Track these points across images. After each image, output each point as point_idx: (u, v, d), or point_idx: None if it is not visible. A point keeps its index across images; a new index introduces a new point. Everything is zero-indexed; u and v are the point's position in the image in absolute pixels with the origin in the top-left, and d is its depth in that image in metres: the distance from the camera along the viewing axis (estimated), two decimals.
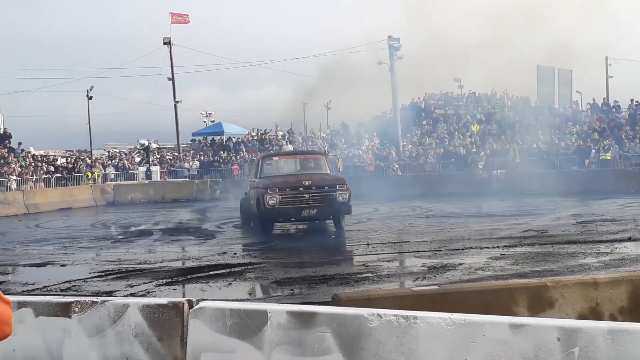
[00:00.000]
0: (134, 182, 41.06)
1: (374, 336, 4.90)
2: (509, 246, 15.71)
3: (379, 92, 44.80)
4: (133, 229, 23.05)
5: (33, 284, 13.29)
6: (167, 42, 49.67)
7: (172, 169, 44.15)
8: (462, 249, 15.61)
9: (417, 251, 15.79)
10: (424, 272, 12.84)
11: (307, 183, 19.63)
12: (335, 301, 6.43)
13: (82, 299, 5.58)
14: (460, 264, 13.53)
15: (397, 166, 38.05)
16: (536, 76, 46.86)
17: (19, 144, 43.27)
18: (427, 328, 4.85)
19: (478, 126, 42.55)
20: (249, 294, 11.77)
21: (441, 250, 15.46)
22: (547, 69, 47.19)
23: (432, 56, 46.29)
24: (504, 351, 4.60)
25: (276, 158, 22.57)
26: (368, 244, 16.97)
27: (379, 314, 4.97)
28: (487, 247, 15.71)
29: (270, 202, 19.02)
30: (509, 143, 38.06)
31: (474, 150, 37.92)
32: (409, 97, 48.29)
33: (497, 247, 15.66)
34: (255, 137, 47.53)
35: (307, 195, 19.36)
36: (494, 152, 37.26)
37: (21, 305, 5.54)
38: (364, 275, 12.85)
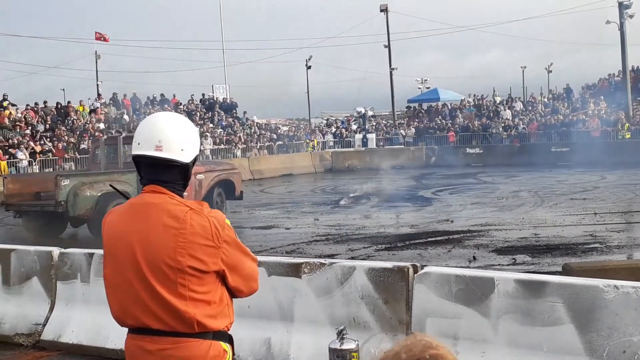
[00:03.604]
0: (351, 149, 41.97)
1: (609, 308, 4.62)
2: None
3: (606, 53, 42.15)
4: (351, 195, 23.56)
5: (260, 246, 14.03)
6: (384, 9, 49.89)
7: (387, 136, 44.58)
8: None
9: None
10: None
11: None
12: (566, 271, 6.15)
13: (311, 260, 5.77)
14: None
15: (627, 127, 35.44)
16: None
17: (244, 113, 45.79)
18: None
19: None
20: (469, 261, 11.59)
21: None
22: None
23: None
24: None
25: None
26: (595, 214, 16.06)
27: (615, 285, 4.68)
28: None
29: None
30: None
31: None
32: None
33: None
34: (472, 103, 46.64)
35: None
36: None
37: None
38: (592, 245, 12.19)
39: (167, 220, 2.71)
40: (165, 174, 2.80)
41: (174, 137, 2.78)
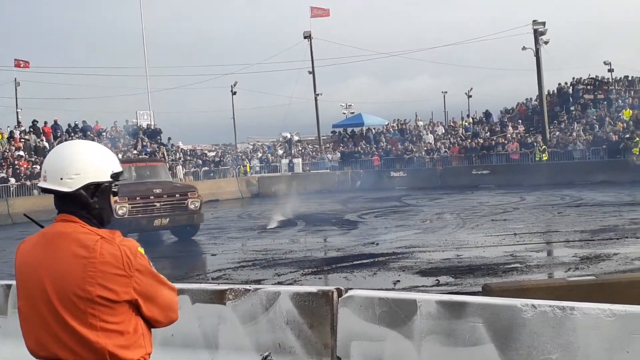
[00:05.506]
0: (277, 174, 42.01)
1: (528, 327, 4.73)
2: None
3: (523, 78, 43.70)
4: (278, 219, 23.54)
5: (186, 273, 13.86)
6: (308, 36, 50.31)
7: (313, 160, 44.81)
8: (617, 239, 14.87)
9: (568, 241, 15.19)
10: (576, 263, 12.33)
11: (157, 191, 19.16)
12: (486, 291, 6.28)
13: (236, 286, 5.73)
14: (615, 254, 12.89)
15: (544, 149, 36.58)
16: None
17: (169, 139, 45.25)
18: (585, 319, 4.63)
19: (630, 111, 40.32)
20: (394, 283, 11.72)
21: (594, 240, 14.78)
22: None
23: (580, 39, 44.49)
24: None
25: None
26: (515, 234, 16.50)
27: (533, 305, 4.79)
28: None
29: (120, 212, 17.91)
30: None
31: (627, 136, 36.00)
32: (555, 83, 46.68)
33: None
34: (396, 128, 47.38)
35: (158, 204, 18.86)
36: None
37: (178, 292, 5.74)
38: (512, 265, 12.50)
39: (76, 250, 2.65)
40: (65, 204, 2.76)
41: (54, 166, 2.74)
